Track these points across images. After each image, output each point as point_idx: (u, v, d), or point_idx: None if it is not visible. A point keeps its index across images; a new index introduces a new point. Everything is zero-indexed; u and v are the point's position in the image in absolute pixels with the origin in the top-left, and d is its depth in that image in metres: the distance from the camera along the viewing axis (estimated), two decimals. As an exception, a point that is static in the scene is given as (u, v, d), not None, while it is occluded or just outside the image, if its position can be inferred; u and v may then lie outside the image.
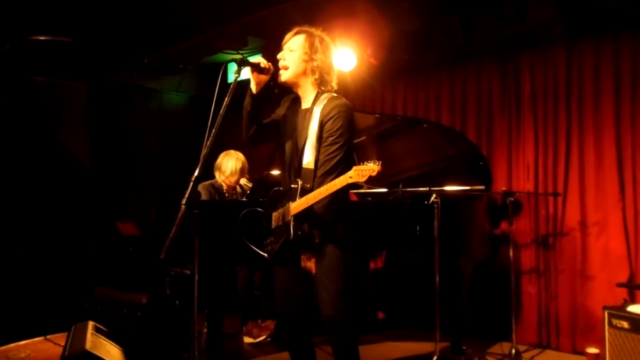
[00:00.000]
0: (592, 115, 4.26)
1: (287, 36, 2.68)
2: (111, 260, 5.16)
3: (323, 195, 2.41)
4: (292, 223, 2.51)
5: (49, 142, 5.78)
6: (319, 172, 2.51)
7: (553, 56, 4.46)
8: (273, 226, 2.68)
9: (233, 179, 4.50)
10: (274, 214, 2.69)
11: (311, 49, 2.61)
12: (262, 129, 2.75)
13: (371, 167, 2.26)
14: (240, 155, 4.57)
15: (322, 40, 2.65)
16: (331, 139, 2.53)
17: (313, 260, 2.54)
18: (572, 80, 4.37)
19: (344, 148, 2.53)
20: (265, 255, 2.69)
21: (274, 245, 2.63)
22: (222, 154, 4.58)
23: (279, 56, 2.65)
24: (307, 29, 2.67)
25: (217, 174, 4.56)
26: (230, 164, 4.49)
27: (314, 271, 2.55)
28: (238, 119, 2.72)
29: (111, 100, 6.29)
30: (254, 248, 2.77)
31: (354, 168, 2.31)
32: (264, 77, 2.62)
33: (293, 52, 2.62)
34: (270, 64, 2.62)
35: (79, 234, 5.65)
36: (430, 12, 4.62)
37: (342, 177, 2.36)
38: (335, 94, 2.67)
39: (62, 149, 5.87)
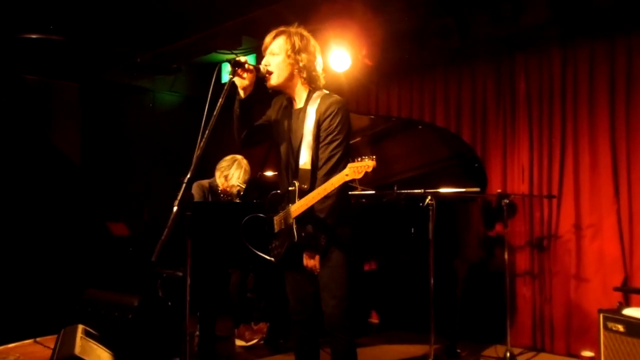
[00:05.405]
0: (587, 117, 4.25)
1: (267, 40, 2.63)
2: (102, 262, 5.11)
3: (322, 195, 2.40)
4: (294, 225, 2.50)
5: (40, 141, 5.72)
6: (322, 172, 2.49)
7: (548, 57, 4.45)
8: (275, 230, 2.67)
9: (235, 189, 4.41)
10: (275, 218, 2.67)
11: (294, 50, 2.58)
12: (254, 132, 2.73)
13: (366, 163, 2.26)
14: (247, 166, 4.45)
15: (302, 37, 2.61)
16: (330, 137, 2.51)
17: (317, 259, 2.52)
18: (567, 82, 4.36)
19: (343, 144, 2.52)
20: (273, 259, 2.68)
21: (280, 249, 2.63)
22: (230, 159, 4.46)
23: (263, 62, 2.61)
24: (285, 28, 2.63)
25: (217, 174, 4.47)
26: (237, 175, 4.39)
27: (317, 270, 2.54)
28: (231, 121, 2.68)
29: (103, 99, 6.23)
30: (261, 254, 2.75)
31: (349, 165, 2.31)
32: (246, 82, 2.55)
33: (276, 55, 2.59)
34: (251, 65, 2.54)
35: (69, 234, 5.60)
36: (425, 13, 4.60)
37: (338, 176, 2.35)
38: (326, 91, 2.64)
39: (53, 148, 5.81)
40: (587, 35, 4.25)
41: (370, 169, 2.26)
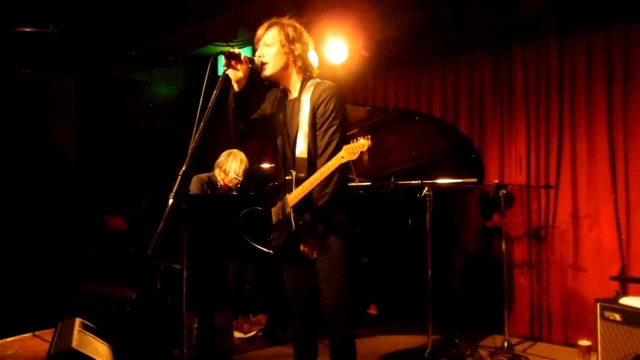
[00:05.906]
0: (584, 107, 4.25)
1: (259, 32, 2.62)
2: (100, 255, 5.11)
3: (319, 180, 2.39)
4: (292, 214, 2.48)
5: (36, 135, 5.70)
6: (322, 159, 2.47)
7: (545, 47, 4.44)
8: (274, 221, 2.66)
9: (235, 182, 4.40)
10: (273, 210, 2.66)
11: (288, 39, 2.57)
12: (250, 125, 2.71)
13: (361, 144, 2.24)
14: (244, 157, 4.45)
15: (295, 28, 2.61)
16: (327, 123, 2.50)
17: (314, 244, 2.52)
18: (564, 72, 4.35)
19: (340, 129, 2.51)
20: (271, 252, 2.67)
21: (278, 240, 2.61)
22: (226, 153, 4.46)
23: (257, 54, 2.59)
24: (277, 19, 2.62)
25: (217, 172, 4.46)
26: (234, 166, 4.38)
27: (313, 256, 2.53)
28: (227, 113, 2.67)
29: (99, 93, 6.20)
30: (259, 247, 2.73)
31: (344, 147, 2.29)
32: (240, 75, 2.53)
33: (270, 46, 2.58)
34: (246, 57, 2.53)
35: (67, 228, 5.59)
36: (422, 4, 4.57)
37: (333, 159, 2.33)
38: (319, 79, 2.63)
39: (49, 143, 5.79)
40: (585, 26, 4.23)
41: (365, 149, 2.23)
